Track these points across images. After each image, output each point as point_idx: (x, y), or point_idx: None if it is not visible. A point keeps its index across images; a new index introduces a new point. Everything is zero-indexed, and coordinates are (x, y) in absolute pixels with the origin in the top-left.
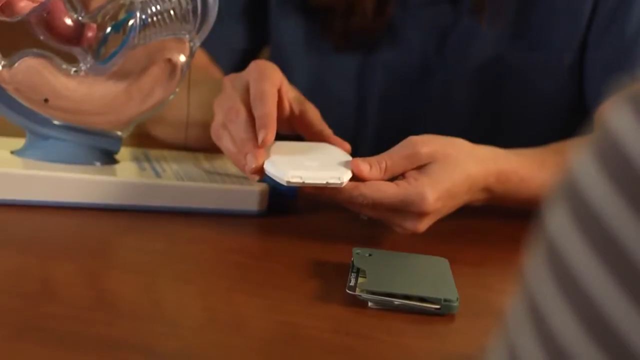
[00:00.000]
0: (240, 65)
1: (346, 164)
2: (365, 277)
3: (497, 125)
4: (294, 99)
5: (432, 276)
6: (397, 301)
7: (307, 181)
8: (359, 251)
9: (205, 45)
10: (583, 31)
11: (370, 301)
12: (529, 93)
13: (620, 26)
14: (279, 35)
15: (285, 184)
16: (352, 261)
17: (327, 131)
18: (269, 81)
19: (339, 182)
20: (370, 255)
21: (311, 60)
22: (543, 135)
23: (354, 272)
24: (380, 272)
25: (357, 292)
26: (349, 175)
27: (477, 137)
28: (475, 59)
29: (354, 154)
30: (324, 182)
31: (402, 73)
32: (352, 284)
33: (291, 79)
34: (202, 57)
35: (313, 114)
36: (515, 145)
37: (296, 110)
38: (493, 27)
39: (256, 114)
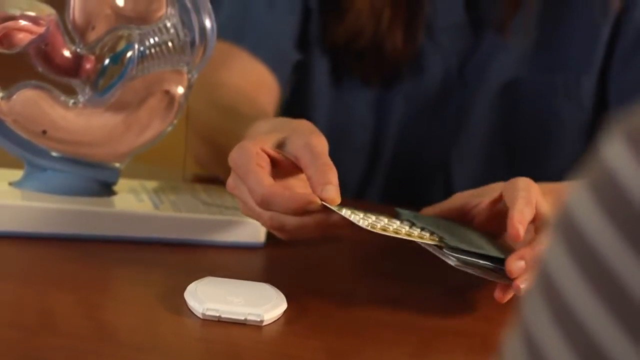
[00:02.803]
0: (289, 75)
1: (275, 304)
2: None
3: (516, 147)
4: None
5: (491, 241)
6: (482, 262)
7: (223, 315)
8: (405, 212)
9: (266, 60)
10: (602, 55)
11: (459, 260)
12: (547, 115)
13: None
14: (305, 69)
15: (200, 316)
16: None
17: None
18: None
19: (258, 319)
20: (416, 216)
21: (334, 91)
22: (561, 159)
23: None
24: (452, 233)
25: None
26: (274, 314)
27: (496, 159)
28: (494, 81)
29: (370, 178)
30: (243, 318)
31: (422, 97)
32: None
33: (311, 107)
34: (253, 78)
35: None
36: (534, 168)
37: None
38: (515, 46)
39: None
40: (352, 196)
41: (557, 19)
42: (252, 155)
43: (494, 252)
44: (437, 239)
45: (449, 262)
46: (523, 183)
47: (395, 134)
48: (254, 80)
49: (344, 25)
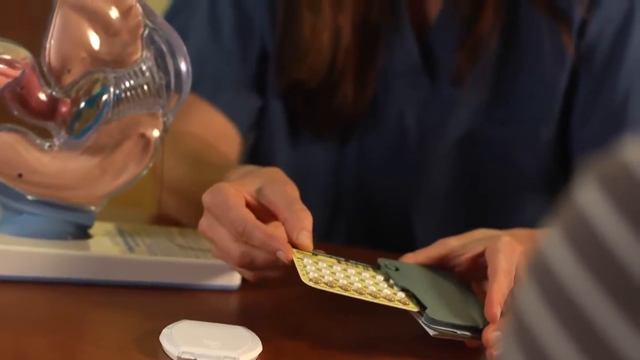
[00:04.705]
0: (255, 122)
1: (250, 346)
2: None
3: (478, 198)
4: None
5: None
6: (459, 332)
7: (199, 359)
8: (386, 263)
9: (225, 109)
10: (559, 105)
11: (435, 331)
12: (507, 167)
13: (607, 98)
14: (263, 119)
15: (176, 359)
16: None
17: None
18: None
19: None
20: (397, 268)
21: (292, 139)
22: (523, 209)
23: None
24: (431, 296)
25: (426, 322)
26: (249, 357)
27: (458, 211)
28: (452, 131)
29: (333, 222)
30: None
31: (378, 147)
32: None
33: (271, 151)
34: (214, 128)
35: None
36: (498, 219)
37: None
38: (472, 98)
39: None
40: (317, 239)
41: (513, 71)
42: (229, 194)
43: (473, 320)
44: (410, 303)
45: (427, 330)
46: (506, 245)
47: (354, 183)
48: (215, 129)
49: (302, 63)
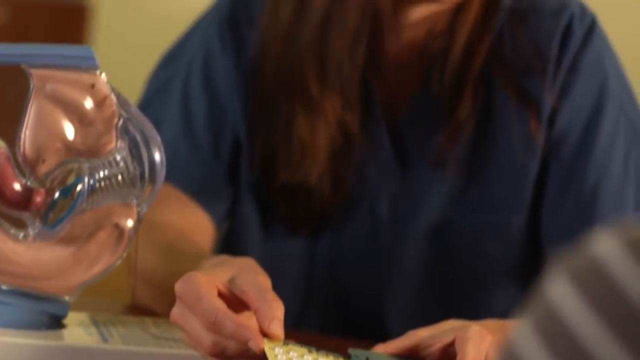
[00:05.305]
0: (227, 213)
1: None
2: None
3: (449, 285)
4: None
5: None
6: None
7: None
8: (357, 353)
9: (198, 199)
10: (530, 193)
11: None
12: (478, 254)
13: (577, 188)
14: (235, 211)
15: None
16: None
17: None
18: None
19: None
20: (368, 359)
21: (265, 232)
22: (497, 296)
23: None
24: None
25: None
26: None
27: (430, 298)
28: (424, 219)
29: (306, 312)
30: None
31: (352, 237)
32: None
33: (244, 244)
34: (188, 218)
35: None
36: (469, 305)
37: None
38: (443, 185)
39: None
40: (289, 328)
41: (486, 156)
42: (201, 284)
43: None
44: None
45: None
46: (475, 334)
47: (326, 274)
48: (189, 219)
49: (271, 158)
